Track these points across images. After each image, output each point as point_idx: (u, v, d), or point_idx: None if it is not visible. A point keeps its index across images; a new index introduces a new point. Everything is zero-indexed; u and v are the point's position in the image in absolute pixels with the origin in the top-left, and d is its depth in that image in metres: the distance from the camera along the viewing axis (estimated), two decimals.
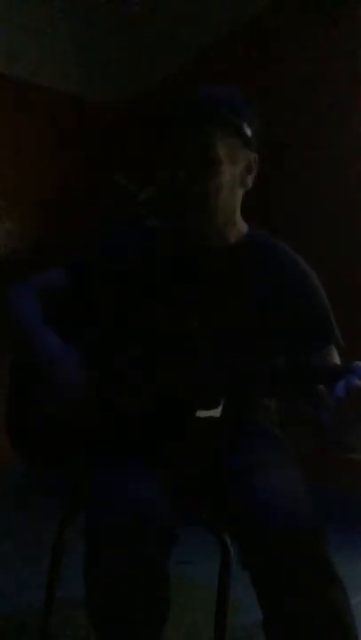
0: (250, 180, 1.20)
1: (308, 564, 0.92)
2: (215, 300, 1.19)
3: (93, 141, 3.52)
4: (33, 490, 2.63)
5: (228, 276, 1.21)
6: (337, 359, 1.16)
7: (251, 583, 0.96)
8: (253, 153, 1.19)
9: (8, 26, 3.06)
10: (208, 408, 1.10)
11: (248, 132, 1.16)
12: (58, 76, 3.35)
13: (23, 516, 2.43)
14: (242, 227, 1.26)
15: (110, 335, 1.18)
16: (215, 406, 1.10)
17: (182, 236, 1.22)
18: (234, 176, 1.17)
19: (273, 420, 1.28)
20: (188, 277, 1.21)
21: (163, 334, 1.13)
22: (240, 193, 1.21)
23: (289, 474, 1.08)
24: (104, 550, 0.96)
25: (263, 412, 1.27)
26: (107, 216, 2.91)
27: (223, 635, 1.11)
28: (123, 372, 1.13)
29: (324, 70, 2.62)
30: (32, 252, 3.25)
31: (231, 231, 1.23)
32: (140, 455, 1.08)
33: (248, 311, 1.18)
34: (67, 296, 1.27)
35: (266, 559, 0.94)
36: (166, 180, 1.21)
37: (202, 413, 1.09)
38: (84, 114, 3.51)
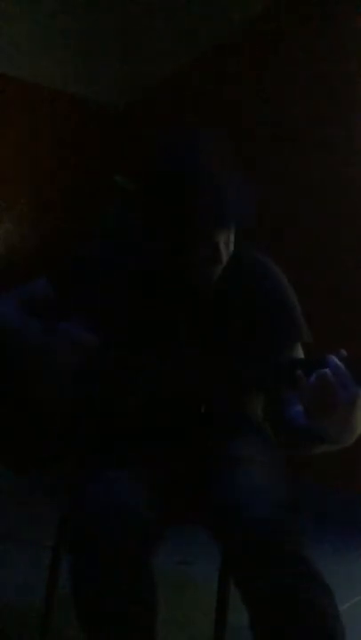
0: None
1: (285, 564, 0.92)
2: (199, 306, 1.23)
3: (93, 141, 3.52)
4: (33, 490, 2.63)
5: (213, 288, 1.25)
6: (301, 354, 1.23)
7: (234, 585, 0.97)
8: None
9: (8, 26, 3.06)
10: (197, 409, 1.11)
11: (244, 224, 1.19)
12: (58, 76, 3.35)
13: (23, 516, 2.43)
14: None
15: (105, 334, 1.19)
16: (205, 408, 1.12)
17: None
18: (228, 255, 1.20)
19: (260, 418, 1.30)
20: (174, 285, 1.24)
21: (150, 337, 1.16)
22: None
23: (271, 474, 1.09)
24: (85, 552, 0.97)
25: (251, 412, 1.29)
26: (106, 216, 2.91)
27: (223, 635, 1.11)
28: (108, 375, 1.14)
29: (326, 70, 2.62)
30: (32, 251, 3.26)
31: None
32: (128, 455, 1.09)
33: (230, 317, 1.23)
34: (50, 305, 1.29)
35: (240, 559, 0.95)
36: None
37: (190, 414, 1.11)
38: (84, 114, 3.52)
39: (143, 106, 3.49)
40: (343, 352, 0.94)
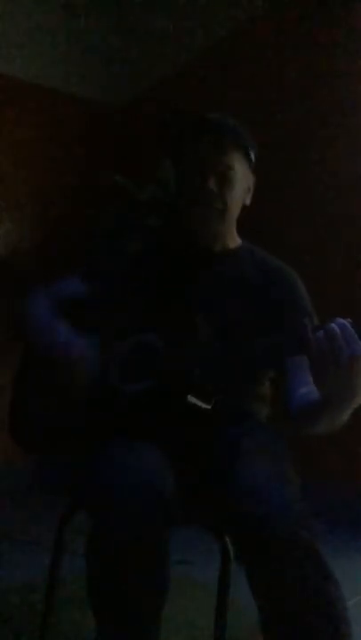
0: (248, 199, 1.36)
1: (300, 558, 0.93)
2: (218, 298, 1.27)
3: (93, 141, 3.52)
4: (33, 490, 2.63)
5: (230, 276, 1.32)
6: None
7: (246, 580, 0.97)
8: (253, 176, 1.36)
9: (8, 26, 3.07)
10: (203, 398, 1.12)
11: (253, 157, 1.33)
12: (58, 76, 3.35)
13: (23, 516, 2.44)
14: (237, 238, 1.40)
15: (118, 329, 1.22)
16: (210, 398, 1.13)
17: (187, 236, 1.33)
18: (242, 193, 1.32)
19: (263, 417, 1.31)
20: (193, 276, 1.29)
21: (168, 327, 1.17)
22: (240, 207, 1.36)
23: (282, 468, 1.09)
24: (105, 527, 0.97)
25: (258, 404, 1.29)
26: (106, 216, 2.92)
27: (223, 635, 1.11)
28: (126, 360, 1.16)
29: (325, 70, 2.63)
30: (32, 251, 3.26)
31: (230, 239, 1.37)
32: (141, 439, 1.09)
33: (246, 308, 1.26)
34: (84, 302, 1.33)
35: (257, 554, 0.95)
36: (172, 184, 1.29)
37: (192, 400, 1.11)
38: (84, 114, 3.52)
39: (143, 106, 3.49)
40: (349, 319, 0.99)
